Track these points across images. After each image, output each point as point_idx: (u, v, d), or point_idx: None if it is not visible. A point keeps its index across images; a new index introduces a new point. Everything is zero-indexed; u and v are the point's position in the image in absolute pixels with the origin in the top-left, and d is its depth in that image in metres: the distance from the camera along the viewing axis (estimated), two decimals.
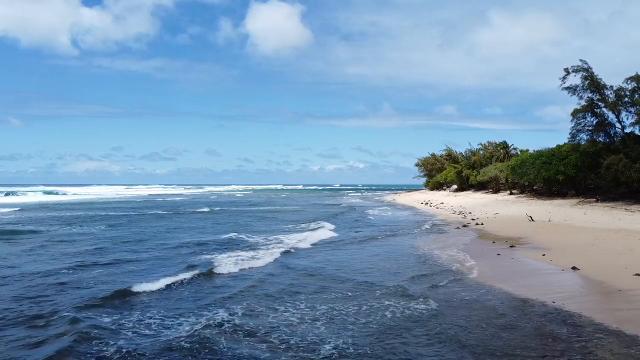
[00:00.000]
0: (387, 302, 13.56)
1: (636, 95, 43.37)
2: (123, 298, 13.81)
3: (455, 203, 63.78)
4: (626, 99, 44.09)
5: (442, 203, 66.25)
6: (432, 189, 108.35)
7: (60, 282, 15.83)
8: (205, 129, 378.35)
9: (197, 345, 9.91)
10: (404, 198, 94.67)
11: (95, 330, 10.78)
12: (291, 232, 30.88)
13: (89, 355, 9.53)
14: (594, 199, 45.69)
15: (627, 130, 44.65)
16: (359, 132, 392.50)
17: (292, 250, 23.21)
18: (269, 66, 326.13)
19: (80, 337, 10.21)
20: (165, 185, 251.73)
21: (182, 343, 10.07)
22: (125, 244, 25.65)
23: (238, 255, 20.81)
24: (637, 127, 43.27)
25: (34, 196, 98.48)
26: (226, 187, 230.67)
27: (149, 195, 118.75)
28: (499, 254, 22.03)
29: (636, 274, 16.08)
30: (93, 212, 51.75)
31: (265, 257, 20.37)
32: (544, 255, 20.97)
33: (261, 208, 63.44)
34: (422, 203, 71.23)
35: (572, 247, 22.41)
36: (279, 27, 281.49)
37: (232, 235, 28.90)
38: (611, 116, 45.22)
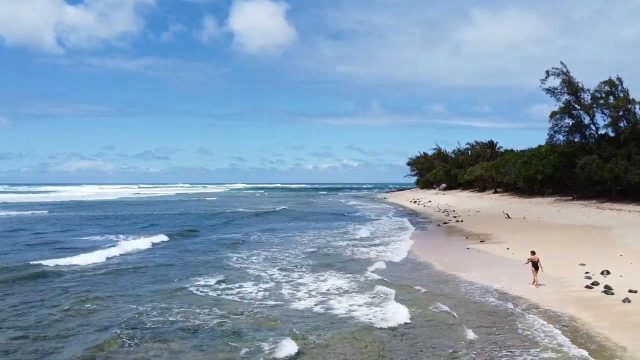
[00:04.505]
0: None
1: (610, 99, 45.67)
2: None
3: (442, 201, 66.00)
4: (601, 102, 46.38)
5: (430, 201, 68.45)
6: (422, 188, 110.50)
7: None
8: (197, 128, 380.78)
9: None
10: (395, 197, 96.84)
11: None
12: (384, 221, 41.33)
13: None
14: (570, 197, 48.03)
15: (601, 131, 46.99)
16: (351, 131, 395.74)
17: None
18: (258, 65, 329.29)
19: None
20: (170, 185, 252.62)
21: None
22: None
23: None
24: (611, 129, 45.50)
25: (58, 195, 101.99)
26: (230, 186, 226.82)
27: (176, 194, 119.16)
28: (468, 248, 24.16)
29: (581, 264, 18.27)
30: (178, 211, 54.38)
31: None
32: (507, 249, 23.11)
33: (319, 209, 62.69)
34: (411, 201, 73.39)
35: (535, 242, 24.38)
36: (264, 26, 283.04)
37: (357, 225, 37.18)
38: (587, 118, 47.54)
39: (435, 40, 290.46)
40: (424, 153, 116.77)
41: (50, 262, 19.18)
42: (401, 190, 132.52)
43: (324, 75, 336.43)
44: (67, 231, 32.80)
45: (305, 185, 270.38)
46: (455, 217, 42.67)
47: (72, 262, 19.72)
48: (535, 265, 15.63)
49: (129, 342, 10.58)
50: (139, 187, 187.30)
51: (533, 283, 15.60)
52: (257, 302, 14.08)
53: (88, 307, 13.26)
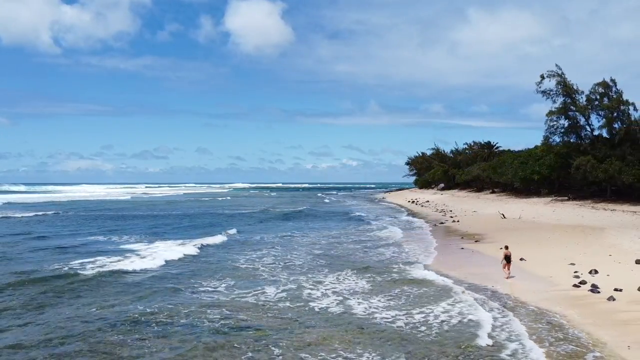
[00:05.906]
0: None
1: (605, 100, 46.22)
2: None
3: (440, 201, 66.51)
4: (596, 103, 46.94)
5: (428, 201, 68.97)
6: (421, 188, 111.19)
7: None
8: (196, 127, 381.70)
9: None
10: (393, 197, 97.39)
11: None
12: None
13: None
14: (566, 197, 48.55)
15: (596, 132, 47.53)
16: (350, 130, 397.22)
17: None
18: (256, 64, 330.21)
19: None
20: (174, 184, 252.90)
21: None
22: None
23: None
24: (605, 130, 46.03)
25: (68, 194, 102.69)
26: (232, 186, 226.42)
27: (184, 194, 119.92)
28: (462, 248, 24.66)
29: (570, 263, 18.76)
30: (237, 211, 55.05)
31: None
32: (500, 248, 23.53)
33: (335, 209, 63.52)
34: (409, 201, 73.91)
35: (528, 242, 25.03)
36: (260, 25, 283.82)
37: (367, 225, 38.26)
38: (582, 119, 48.07)
39: (432, 39, 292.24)
40: (422, 153, 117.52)
41: (114, 267, 19.14)
42: (400, 190, 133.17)
43: (322, 75, 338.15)
44: (106, 233, 31.34)
45: (307, 185, 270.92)
46: (452, 217, 43.14)
47: (134, 267, 19.49)
48: (508, 258, 17.13)
49: (211, 348, 10.63)
50: (146, 187, 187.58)
51: (505, 275, 17.10)
52: (337, 310, 13.67)
53: (164, 310, 13.36)
